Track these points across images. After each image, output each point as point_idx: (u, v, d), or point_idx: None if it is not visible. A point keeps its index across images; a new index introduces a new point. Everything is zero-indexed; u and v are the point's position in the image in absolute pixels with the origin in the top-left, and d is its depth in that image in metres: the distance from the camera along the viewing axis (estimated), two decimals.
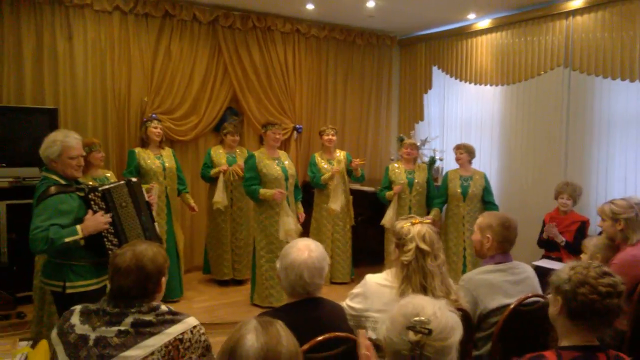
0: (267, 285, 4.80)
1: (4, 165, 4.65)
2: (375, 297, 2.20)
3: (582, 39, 5.06)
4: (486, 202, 5.12)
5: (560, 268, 1.78)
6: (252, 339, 1.26)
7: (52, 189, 2.77)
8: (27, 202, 3.74)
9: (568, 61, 5.21)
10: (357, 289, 2.30)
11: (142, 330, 1.78)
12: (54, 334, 1.85)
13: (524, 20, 5.60)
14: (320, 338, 1.90)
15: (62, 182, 2.85)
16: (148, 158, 4.85)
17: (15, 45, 4.96)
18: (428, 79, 6.98)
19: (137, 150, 4.89)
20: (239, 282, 5.52)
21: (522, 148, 5.80)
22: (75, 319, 1.83)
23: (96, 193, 2.86)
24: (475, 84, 6.26)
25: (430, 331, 1.29)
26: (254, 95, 6.25)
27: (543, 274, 2.80)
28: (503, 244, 2.56)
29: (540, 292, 2.56)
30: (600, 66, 4.90)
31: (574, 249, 4.27)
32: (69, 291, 2.81)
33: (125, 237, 2.90)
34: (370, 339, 2.13)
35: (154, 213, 3.32)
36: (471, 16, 6.06)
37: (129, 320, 1.78)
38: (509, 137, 5.96)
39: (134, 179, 3.15)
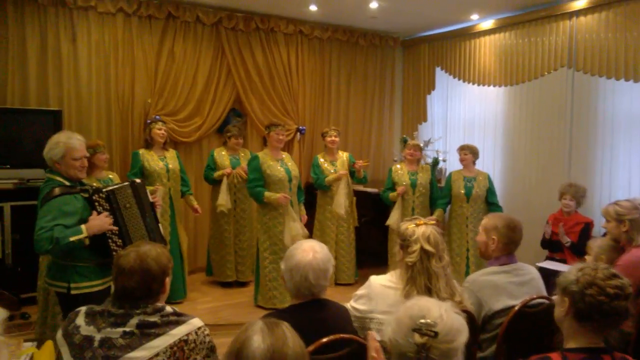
0: (270, 287, 4.80)
1: (8, 166, 4.67)
2: (380, 299, 2.20)
3: (585, 40, 5.04)
4: (490, 203, 5.11)
5: (568, 269, 1.78)
6: (258, 340, 1.27)
7: (56, 190, 2.78)
8: (31, 203, 3.77)
9: (572, 62, 5.20)
10: (361, 291, 2.30)
11: (147, 332, 1.78)
12: (59, 335, 1.86)
13: (528, 21, 5.59)
14: (325, 340, 1.90)
15: (66, 183, 2.86)
16: (152, 159, 4.86)
17: (19, 47, 4.98)
18: (431, 79, 6.98)
19: (141, 151, 4.90)
20: (243, 284, 5.52)
21: (525, 149, 5.79)
22: (80, 320, 1.83)
23: (100, 194, 2.87)
24: (479, 84, 6.25)
25: (436, 334, 1.29)
26: (257, 96, 6.26)
27: (547, 275, 2.80)
28: (508, 246, 2.56)
29: (545, 293, 2.55)
30: (604, 67, 4.88)
31: (578, 250, 4.26)
32: (73, 292, 2.82)
33: (129, 238, 2.91)
34: None
35: (158, 215, 3.32)
36: (474, 17, 6.06)
37: (134, 321, 1.78)
38: (513, 138, 5.95)
39: (137, 181, 3.16)
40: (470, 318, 2.12)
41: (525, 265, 2.63)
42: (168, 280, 1.96)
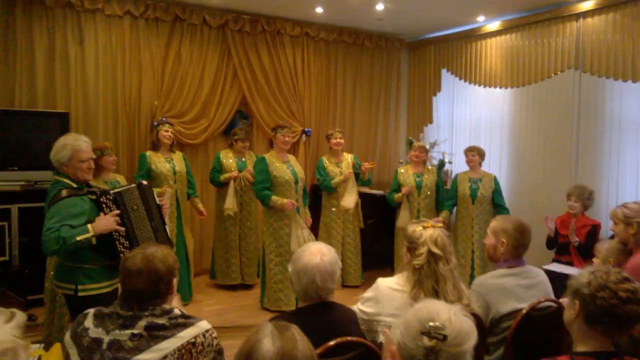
0: (275, 289, 4.79)
1: (15, 168, 4.70)
2: (387, 301, 2.19)
3: (592, 41, 5.02)
4: (496, 204, 5.10)
5: (579, 272, 1.77)
6: (268, 343, 1.27)
7: (64, 192, 2.79)
8: (38, 205, 3.79)
9: (578, 63, 5.18)
10: (368, 293, 2.29)
11: (155, 334, 1.78)
12: (67, 337, 1.86)
13: (534, 23, 5.58)
14: (332, 342, 1.89)
15: (74, 185, 2.88)
16: (159, 162, 4.87)
17: (27, 49, 5.01)
18: (437, 81, 6.97)
19: (148, 153, 4.91)
20: (249, 287, 5.51)
21: (532, 151, 5.77)
22: (88, 322, 1.84)
23: (108, 196, 2.88)
24: (485, 86, 6.23)
25: (445, 337, 1.28)
26: (263, 98, 6.27)
27: (554, 278, 2.79)
28: (517, 249, 2.54)
29: (553, 297, 2.54)
30: (611, 68, 4.86)
31: (584, 252, 4.24)
32: (80, 294, 2.83)
33: (136, 239, 2.91)
34: (381, 344, 2.14)
35: (166, 217, 3.33)
36: (480, 18, 6.05)
37: (142, 323, 1.79)
38: (519, 140, 5.93)
39: (144, 182, 3.17)
40: (477, 321, 2.11)
41: (533, 268, 2.62)
42: (175, 281, 1.97)
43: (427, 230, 2.20)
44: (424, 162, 5.50)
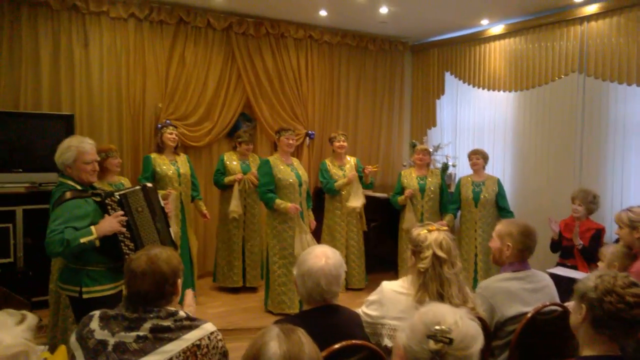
0: (279, 292, 4.79)
1: (20, 170, 4.71)
2: (392, 305, 2.19)
3: (596, 45, 5.02)
4: (500, 207, 5.08)
5: (586, 276, 1.76)
6: (275, 347, 1.27)
7: (68, 194, 2.80)
8: (43, 207, 3.79)
9: (583, 67, 5.18)
10: (373, 296, 2.28)
11: (160, 336, 1.78)
12: (72, 339, 1.87)
13: (538, 26, 5.58)
14: (337, 346, 1.89)
15: (78, 187, 2.88)
16: (164, 164, 4.87)
17: (32, 51, 5.03)
18: (440, 84, 6.97)
19: (153, 156, 4.91)
20: (254, 289, 5.50)
21: (536, 154, 5.76)
22: (94, 324, 1.84)
23: (112, 198, 2.89)
24: (489, 89, 6.23)
25: (451, 340, 1.27)
26: (267, 101, 6.28)
27: (558, 281, 2.78)
28: (523, 252, 2.54)
29: (558, 301, 2.53)
30: (616, 72, 4.86)
31: (588, 255, 4.23)
32: (85, 296, 2.83)
33: (141, 241, 2.91)
34: (386, 347, 2.13)
35: (170, 220, 3.33)
36: (484, 22, 6.05)
37: (147, 325, 1.79)
38: (523, 143, 5.92)
39: (149, 185, 3.17)
40: (482, 324, 2.11)
41: (538, 272, 2.61)
42: (180, 281, 1.98)
43: (432, 234, 2.20)
44: (427, 164, 5.51)
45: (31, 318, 1.45)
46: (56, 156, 2.89)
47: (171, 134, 4.94)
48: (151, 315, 1.82)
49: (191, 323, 1.86)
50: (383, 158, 7.29)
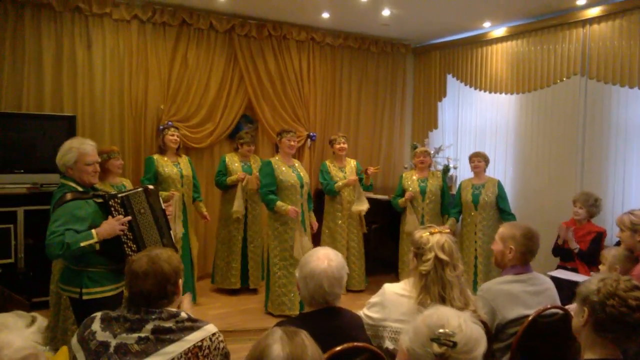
0: (279, 293, 4.79)
1: (22, 171, 4.72)
2: (393, 307, 2.19)
3: (599, 47, 5.02)
4: (501, 210, 5.06)
5: (588, 279, 1.76)
6: (278, 349, 1.27)
7: (68, 196, 2.80)
8: (44, 208, 3.79)
9: (584, 69, 5.17)
10: (374, 298, 2.29)
11: (162, 337, 1.79)
12: (74, 340, 1.87)
13: (540, 29, 5.58)
14: (339, 348, 1.89)
15: (79, 188, 2.88)
16: (166, 165, 4.87)
17: (35, 53, 5.04)
18: (442, 87, 6.97)
19: (156, 157, 4.91)
20: (254, 291, 5.50)
21: (537, 157, 5.76)
22: (96, 326, 1.84)
23: (115, 199, 2.89)
24: (490, 92, 6.23)
25: (454, 344, 1.27)
26: (269, 103, 6.29)
27: (558, 284, 2.78)
28: (525, 255, 2.54)
29: (559, 303, 2.53)
30: (618, 74, 4.85)
31: (587, 258, 4.23)
32: (85, 297, 2.83)
33: (143, 243, 2.92)
34: (387, 349, 2.13)
35: (171, 221, 3.33)
36: (486, 24, 6.05)
37: (149, 326, 1.80)
38: (524, 146, 5.92)
39: (150, 186, 3.17)
40: (484, 327, 2.11)
41: (540, 275, 2.61)
42: (181, 281, 1.99)
43: (434, 236, 2.20)
44: (428, 166, 5.51)
45: (41, 320, 1.45)
46: (57, 157, 2.90)
47: (173, 135, 4.94)
48: (153, 317, 1.82)
49: (193, 324, 1.86)
50: (384, 160, 7.29)
